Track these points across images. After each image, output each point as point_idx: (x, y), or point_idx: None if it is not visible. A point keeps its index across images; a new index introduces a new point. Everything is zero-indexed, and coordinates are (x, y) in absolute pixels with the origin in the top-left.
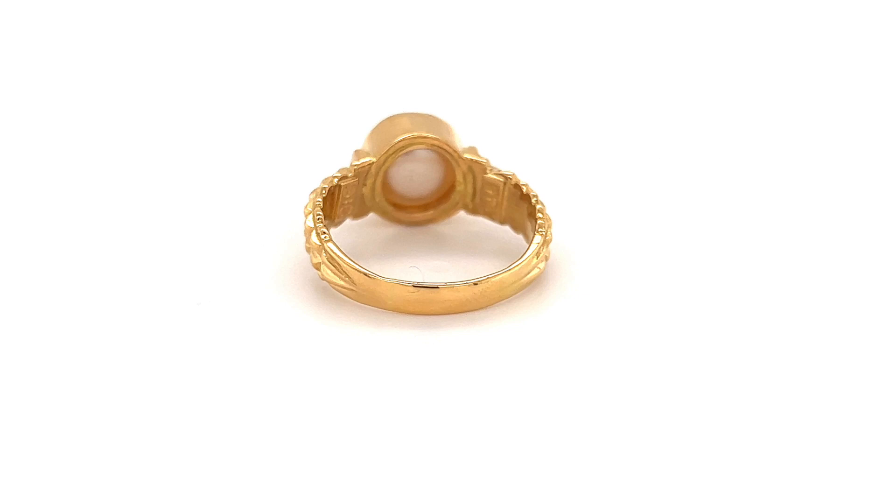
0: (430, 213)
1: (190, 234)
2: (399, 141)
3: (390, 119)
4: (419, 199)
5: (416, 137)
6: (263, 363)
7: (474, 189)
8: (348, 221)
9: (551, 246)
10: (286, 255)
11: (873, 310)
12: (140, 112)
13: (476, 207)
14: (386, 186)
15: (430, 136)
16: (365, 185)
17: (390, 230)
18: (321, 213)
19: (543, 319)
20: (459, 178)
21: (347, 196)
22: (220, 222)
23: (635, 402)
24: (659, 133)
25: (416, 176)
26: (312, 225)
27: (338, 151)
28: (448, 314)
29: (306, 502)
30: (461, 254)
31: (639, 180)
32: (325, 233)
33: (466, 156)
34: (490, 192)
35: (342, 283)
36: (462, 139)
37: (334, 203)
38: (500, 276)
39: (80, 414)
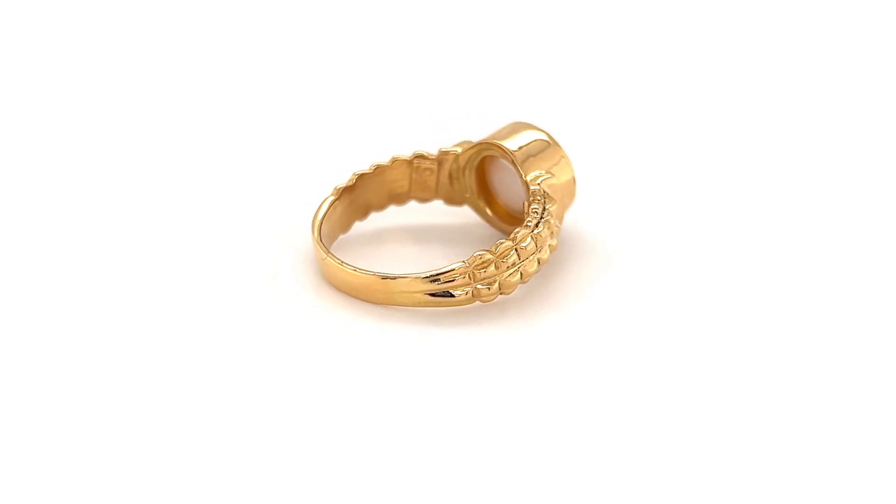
0: (516, 226)
1: (194, 233)
2: (477, 142)
3: (510, 123)
4: (518, 211)
5: (488, 144)
6: (266, 359)
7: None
8: (442, 205)
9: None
10: (287, 252)
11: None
12: (152, 114)
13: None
14: (485, 188)
15: (503, 145)
16: (451, 175)
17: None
18: (353, 182)
19: (550, 323)
20: (528, 197)
21: (427, 178)
22: (223, 221)
23: (633, 404)
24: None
25: (503, 185)
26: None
27: (345, 153)
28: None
29: (304, 499)
30: None
31: (667, 183)
32: (331, 200)
33: (526, 177)
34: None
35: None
36: (572, 170)
37: (410, 180)
38: (366, 279)
39: (80, 413)
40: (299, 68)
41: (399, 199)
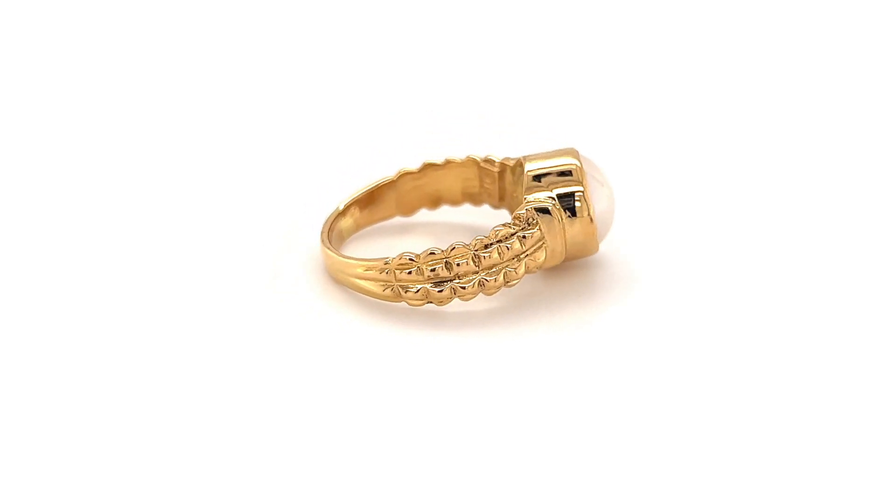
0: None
1: (196, 232)
2: (520, 156)
3: (562, 147)
4: None
5: (517, 161)
6: (266, 358)
7: None
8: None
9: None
10: (289, 252)
11: None
12: (154, 114)
13: None
14: None
15: (523, 162)
16: (512, 186)
17: None
18: (420, 169)
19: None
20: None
21: (489, 185)
22: (225, 220)
23: (632, 406)
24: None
25: None
26: None
27: (349, 153)
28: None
29: (304, 498)
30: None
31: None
32: (388, 180)
33: (524, 197)
34: None
35: None
36: (589, 207)
37: (480, 182)
38: (335, 259)
39: (82, 412)
40: (300, 69)
41: (473, 199)
